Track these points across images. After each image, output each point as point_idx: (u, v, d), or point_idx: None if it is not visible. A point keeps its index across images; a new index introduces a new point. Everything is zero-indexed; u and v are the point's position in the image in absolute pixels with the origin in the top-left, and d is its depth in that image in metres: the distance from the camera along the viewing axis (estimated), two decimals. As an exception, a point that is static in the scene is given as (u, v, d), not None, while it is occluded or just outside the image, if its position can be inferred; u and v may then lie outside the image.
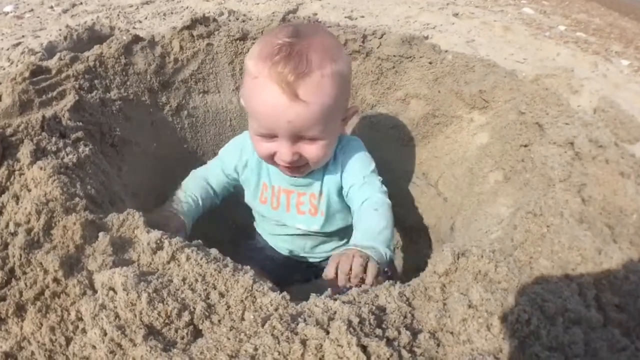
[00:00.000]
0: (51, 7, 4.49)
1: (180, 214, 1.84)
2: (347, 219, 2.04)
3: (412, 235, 2.50)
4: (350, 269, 1.45)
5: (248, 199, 2.11)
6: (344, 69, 1.64)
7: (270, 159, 1.74)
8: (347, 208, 1.99)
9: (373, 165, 1.92)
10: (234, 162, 2.03)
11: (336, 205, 1.98)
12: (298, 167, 1.76)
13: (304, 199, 1.98)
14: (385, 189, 1.87)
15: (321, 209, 1.98)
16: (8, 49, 3.41)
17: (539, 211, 1.49)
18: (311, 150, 1.67)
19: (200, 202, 1.98)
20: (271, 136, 1.65)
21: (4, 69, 3.09)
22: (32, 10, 4.45)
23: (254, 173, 1.99)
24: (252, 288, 1.15)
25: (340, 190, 1.95)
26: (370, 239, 1.60)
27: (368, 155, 1.96)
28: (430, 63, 2.39)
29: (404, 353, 1.00)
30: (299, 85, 1.50)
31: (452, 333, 1.07)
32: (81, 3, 4.60)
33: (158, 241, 1.25)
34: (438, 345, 1.05)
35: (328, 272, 1.49)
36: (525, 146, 1.90)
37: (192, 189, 1.98)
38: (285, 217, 2.04)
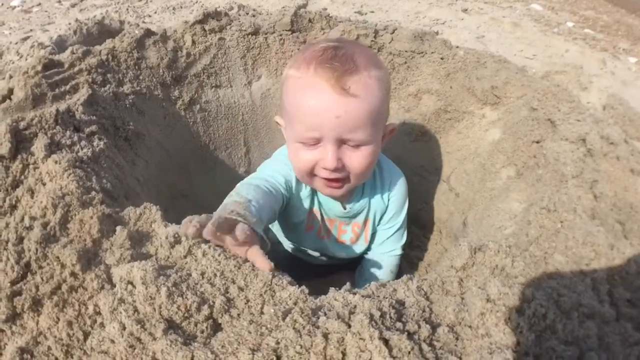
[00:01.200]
0: (59, 1, 4.50)
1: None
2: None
3: (424, 230, 2.52)
4: None
5: (290, 224, 2.00)
6: (387, 79, 1.61)
7: (310, 172, 1.65)
8: None
9: (406, 205, 2.02)
10: (287, 173, 1.81)
11: (376, 229, 2.03)
12: (338, 181, 1.67)
13: (346, 228, 1.99)
14: (406, 237, 2.08)
15: (365, 237, 2.01)
16: (17, 43, 3.43)
17: (553, 207, 1.50)
18: (355, 158, 1.59)
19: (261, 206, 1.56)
20: (314, 142, 1.57)
21: (13, 62, 3.10)
22: (39, 4, 4.47)
23: (307, 198, 1.89)
24: (271, 282, 1.15)
25: (382, 217, 1.99)
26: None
27: (407, 191, 2.02)
28: (442, 59, 2.39)
29: (424, 346, 1.01)
30: (347, 80, 1.46)
31: (470, 327, 1.09)
32: (89, -3, 4.62)
33: (176, 235, 1.25)
34: (457, 338, 1.06)
35: None
36: (538, 142, 1.90)
37: (251, 194, 1.55)
38: (326, 246, 2.04)
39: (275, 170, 1.80)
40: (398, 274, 2.03)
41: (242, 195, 1.51)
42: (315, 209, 1.92)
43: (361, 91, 1.47)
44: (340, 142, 1.56)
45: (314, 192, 1.89)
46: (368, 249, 2.08)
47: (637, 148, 1.76)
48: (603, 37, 4.45)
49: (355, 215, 1.94)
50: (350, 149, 1.58)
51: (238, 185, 1.66)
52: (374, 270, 2.01)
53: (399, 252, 2.02)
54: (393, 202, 1.95)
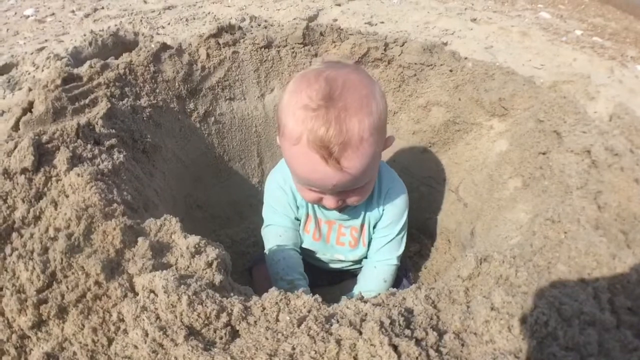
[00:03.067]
0: (72, 12, 4.52)
1: None
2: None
3: (433, 240, 2.55)
4: None
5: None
6: (382, 114, 1.59)
7: (317, 202, 1.77)
8: None
9: (405, 217, 2.01)
10: (287, 200, 1.99)
11: (372, 236, 2.05)
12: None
13: (345, 230, 2.03)
14: (403, 248, 2.04)
15: (363, 240, 2.04)
16: (32, 53, 3.45)
17: (557, 218, 1.53)
18: (355, 197, 1.71)
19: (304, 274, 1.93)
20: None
21: (29, 73, 3.13)
22: (53, 14, 4.48)
23: (303, 206, 1.99)
24: (285, 291, 1.20)
25: (376, 224, 2.01)
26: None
27: (407, 202, 2.02)
28: (450, 71, 2.42)
29: (431, 352, 1.05)
30: (341, 155, 1.48)
31: (475, 334, 1.12)
32: (102, 8, 4.64)
33: (197, 245, 1.30)
34: (462, 345, 1.09)
35: None
36: (544, 154, 1.93)
37: (295, 269, 1.93)
38: (325, 248, 2.09)
39: (283, 214, 2.01)
40: (397, 284, 2.07)
41: (295, 280, 1.85)
42: (311, 212, 2.00)
43: (355, 163, 1.51)
44: (340, 192, 1.67)
45: (307, 202, 1.98)
46: (366, 253, 2.11)
47: (642, 157, 1.78)
48: (611, 45, 4.44)
49: (351, 218, 1.99)
50: (349, 191, 1.68)
51: (277, 257, 1.94)
52: (366, 277, 2.01)
53: (394, 262, 2.01)
54: (388, 211, 1.97)
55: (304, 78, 1.59)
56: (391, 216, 1.98)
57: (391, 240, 1.99)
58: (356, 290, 1.95)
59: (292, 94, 1.58)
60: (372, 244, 2.04)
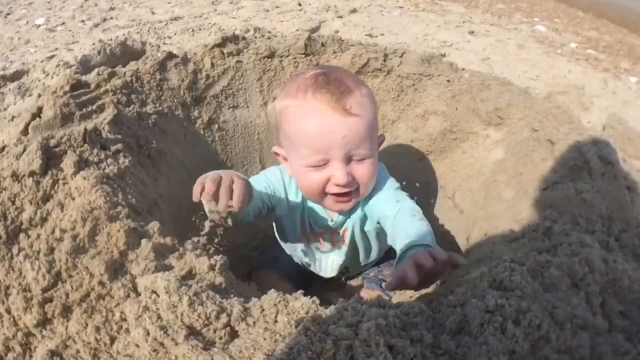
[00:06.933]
0: (83, 22, 4.57)
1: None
2: (370, 247, 2.11)
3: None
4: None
5: (286, 237, 2.13)
6: (374, 95, 1.75)
7: (322, 191, 1.75)
8: (370, 240, 2.08)
9: (397, 184, 1.95)
10: (277, 185, 1.95)
11: (359, 234, 2.03)
12: (349, 195, 1.77)
13: (338, 237, 2.05)
14: (405, 195, 1.91)
15: (356, 243, 2.05)
16: (42, 61, 3.50)
17: (551, 224, 1.55)
18: (362, 170, 1.71)
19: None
20: (323, 163, 1.69)
21: (39, 80, 3.16)
22: (64, 23, 4.53)
23: (297, 212, 1.99)
24: (284, 293, 1.22)
25: (364, 220, 1.98)
26: (422, 241, 1.61)
27: (391, 177, 1.98)
28: (448, 81, 2.46)
29: (427, 353, 1.07)
30: (346, 102, 1.60)
31: (470, 336, 1.13)
32: (112, 18, 4.69)
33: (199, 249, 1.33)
34: (457, 347, 1.11)
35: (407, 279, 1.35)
36: (539, 162, 1.94)
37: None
38: (320, 255, 2.13)
39: (265, 182, 1.94)
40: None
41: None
42: (306, 221, 2.02)
43: (360, 110, 1.62)
44: (348, 159, 1.68)
45: (304, 209, 1.99)
46: (356, 256, 2.12)
47: (635, 167, 1.80)
48: (605, 58, 4.48)
49: (341, 226, 2.00)
50: (356, 164, 1.70)
51: None
52: (404, 219, 1.79)
53: (412, 204, 1.86)
54: (376, 204, 1.89)
55: (297, 74, 1.78)
56: (379, 197, 1.89)
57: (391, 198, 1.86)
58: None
59: (288, 85, 1.76)
60: (384, 218, 1.86)
